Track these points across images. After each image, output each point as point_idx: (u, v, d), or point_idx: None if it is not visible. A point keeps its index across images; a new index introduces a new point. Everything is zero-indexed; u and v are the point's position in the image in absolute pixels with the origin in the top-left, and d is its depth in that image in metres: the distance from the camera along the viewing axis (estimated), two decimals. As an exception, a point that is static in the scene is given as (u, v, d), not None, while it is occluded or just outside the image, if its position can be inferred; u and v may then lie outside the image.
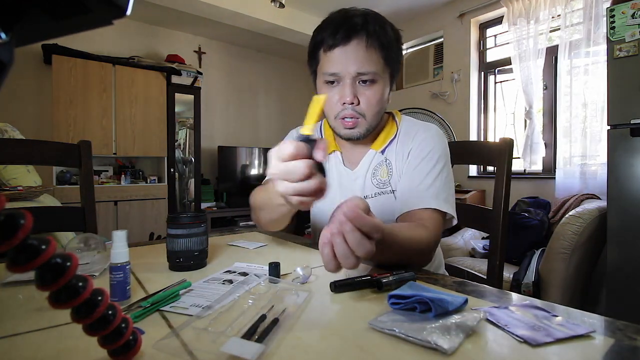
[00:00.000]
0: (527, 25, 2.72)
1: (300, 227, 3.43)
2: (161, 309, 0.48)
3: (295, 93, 4.74)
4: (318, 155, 0.43)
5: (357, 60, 0.75)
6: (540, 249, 1.89)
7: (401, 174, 0.83)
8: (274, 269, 0.58)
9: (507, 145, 0.94)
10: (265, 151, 4.05)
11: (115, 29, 3.38)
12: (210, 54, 4.04)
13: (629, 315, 1.60)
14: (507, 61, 2.92)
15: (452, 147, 0.88)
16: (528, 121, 2.73)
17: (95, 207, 1.14)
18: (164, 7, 3.12)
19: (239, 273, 0.63)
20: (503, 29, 2.98)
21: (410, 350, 0.36)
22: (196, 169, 3.62)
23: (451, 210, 0.77)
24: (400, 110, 0.94)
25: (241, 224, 3.74)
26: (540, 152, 2.68)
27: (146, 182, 3.34)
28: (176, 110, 3.50)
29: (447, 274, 0.83)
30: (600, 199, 2.05)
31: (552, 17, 2.64)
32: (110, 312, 0.31)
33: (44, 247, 0.25)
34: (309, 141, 0.43)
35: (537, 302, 0.47)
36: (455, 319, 0.41)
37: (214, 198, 3.89)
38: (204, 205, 3.69)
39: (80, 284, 0.29)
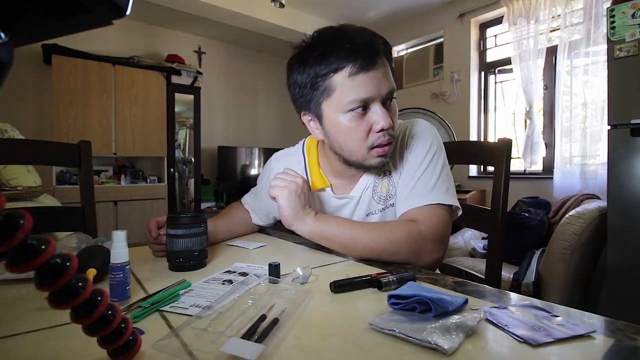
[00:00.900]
0: (527, 25, 2.72)
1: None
2: (161, 309, 0.48)
3: (295, 93, 4.73)
4: None
5: (386, 79, 0.70)
6: (540, 249, 1.89)
7: (401, 177, 0.80)
8: (274, 269, 0.58)
9: (505, 145, 0.94)
10: (265, 151, 4.06)
11: (115, 29, 3.37)
12: (210, 54, 4.04)
13: (629, 315, 1.60)
14: (507, 61, 2.92)
15: (451, 147, 0.88)
16: (528, 121, 2.73)
17: (95, 207, 1.15)
18: (164, 7, 3.12)
19: (239, 273, 0.63)
20: (503, 29, 2.98)
21: (410, 350, 0.36)
22: (196, 169, 3.62)
23: (454, 201, 0.75)
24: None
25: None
26: (541, 152, 2.68)
27: (146, 182, 3.34)
28: (176, 110, 3.50)
29: (440, 273, 0.83)
30: (600, 199, 2.04)
31: (552, 17, 2.64)
32: (110, 312, 0.31)
33: (43, 247, 0.25)
34: None
35: (537, 302, 0.47)
36: (455, 319, 0.41)
37: (214, 198, 3.89)
38: (204, 205, 3.69)
39: (80, 284, 0.29)
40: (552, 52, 2.67)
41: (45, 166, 2.66)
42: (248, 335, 0.38)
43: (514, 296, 0.51)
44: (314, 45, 0.71)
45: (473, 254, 2.30)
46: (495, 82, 3.22)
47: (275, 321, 0.41)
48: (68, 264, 0.27)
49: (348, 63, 0.67)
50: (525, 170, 2.87)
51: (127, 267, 0.50)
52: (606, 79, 1.71)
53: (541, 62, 2.66)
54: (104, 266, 0.55)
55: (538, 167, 2.77)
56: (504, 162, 0.93)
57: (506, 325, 0.40)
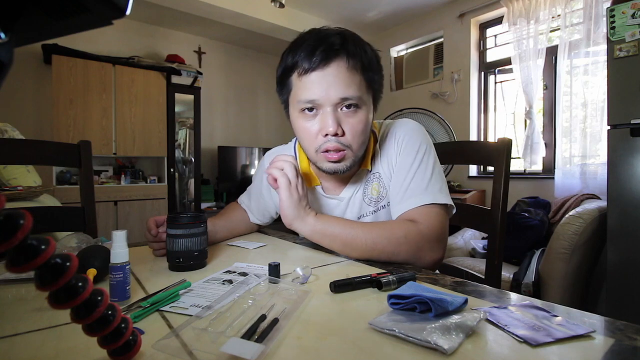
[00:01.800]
0: (527, 25, 2.72)
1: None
2: (161, 309, 0.48)
3: (295, 93, 4.73)
4: None
5: (339, 84, 0.67)
6: (540, 249, 1.89)
7: (392, 178, 0.80)
8: (274, 269, 0.58)
9: (505, 145, 0.94)
10: (265, 151, 4.05)
11: (115, 29, 3.38)
12: (210, 54, 4.04)
13: (629, 315, 1.60)
14: (507, 61, 2.92)
15: (451, 147, 0.88)
16: (528, 121, 2.73)
17: (95, 207, 1.15)
18: (164, 7, 3.12)
19: (238, 273, 0.63)
20: (503, 29, 2.98)
21: (410, 350, 0.36)
22: (196, 169, 3.62)
23: (448, 199, 0.75)
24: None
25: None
26: (541, 152, 2.68)
27: (146, 182, 3.34)
28: (176, 110, 3.50)
29: (439, 273, 0.83)
30: (600, 199, 2.05)
31: (552, 17, 2.64)
32: (110, 312, 0.31)
33: (43, 247, 0.25)
34: None
35: (537, 302, 0.47)
36: (455, 319, 0.41)
37: (214, 198, 3.89)
38: (204, 205, 3.69)
39: (80, 284, 0.29)
40: (552, 52, 2.67)
41: (45, 166, 2.66)
42: (248, 335, 0.38)
43: (514, 296, 0.51)
44: (290, 44, 0.73)
45: (473, 254, 2.30)
46: (495, 82, 3.23)
47: (275, 321, 0.41)
48: (68, 264, 0.27)
49: (302, 62, 0.68)
50: (525, 170, 2.87)
51: (127, 267, 0.50)
52: (606, 79, 1.71)
53: (541, 62, 2.66)
54: (104, 266, 0.55)
55: (538, 167, 2.77)
56: (503, 162, 0.93)
57: (506, 325, 0.40)
